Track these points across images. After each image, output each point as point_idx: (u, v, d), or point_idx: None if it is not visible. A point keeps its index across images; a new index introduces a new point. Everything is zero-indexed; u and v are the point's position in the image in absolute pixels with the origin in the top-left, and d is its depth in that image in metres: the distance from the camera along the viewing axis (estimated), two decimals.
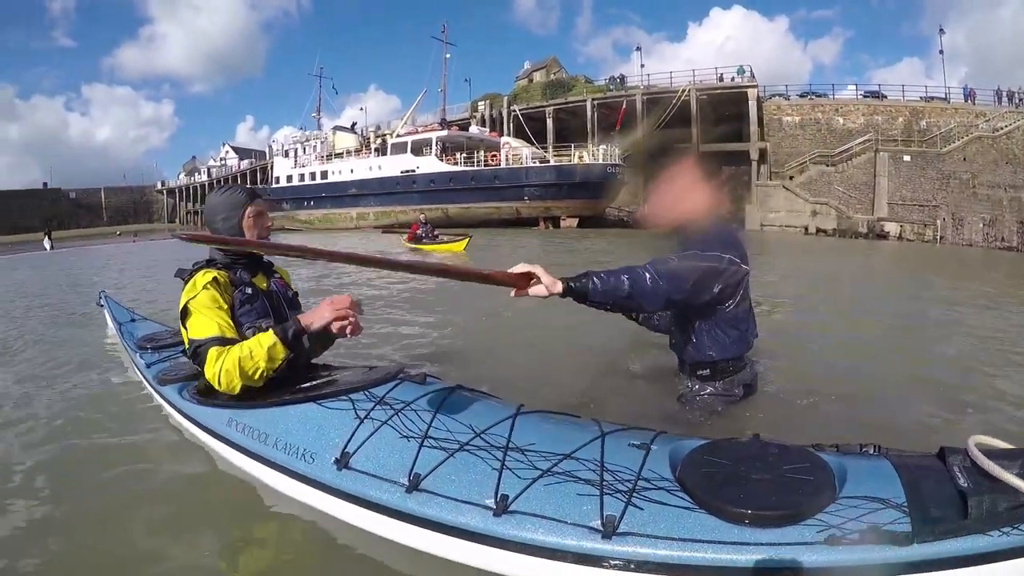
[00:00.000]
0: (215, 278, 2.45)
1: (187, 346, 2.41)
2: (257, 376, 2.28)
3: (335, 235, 30.36)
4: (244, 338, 2.35)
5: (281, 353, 2.28)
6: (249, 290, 2.55)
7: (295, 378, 2.44)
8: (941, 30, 40.92)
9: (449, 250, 16.22)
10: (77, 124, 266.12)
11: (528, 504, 1.57)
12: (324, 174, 42.85)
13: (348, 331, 2.34)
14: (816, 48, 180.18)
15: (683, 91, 31.96)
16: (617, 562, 1.45)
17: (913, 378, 3.51)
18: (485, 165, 32.77)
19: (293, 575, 1.95)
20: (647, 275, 2.17)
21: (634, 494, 1.52)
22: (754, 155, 29.90)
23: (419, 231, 17.72)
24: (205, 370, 2.34)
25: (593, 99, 34.84)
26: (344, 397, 2.18)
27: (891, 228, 23.69)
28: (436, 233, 18.05)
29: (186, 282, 2.51)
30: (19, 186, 79.82)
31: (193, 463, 2.63)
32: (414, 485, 1.75)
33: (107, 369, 4.46)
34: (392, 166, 36.59)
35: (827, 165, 27.58)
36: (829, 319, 5.60)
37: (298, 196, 44.81)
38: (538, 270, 2.08)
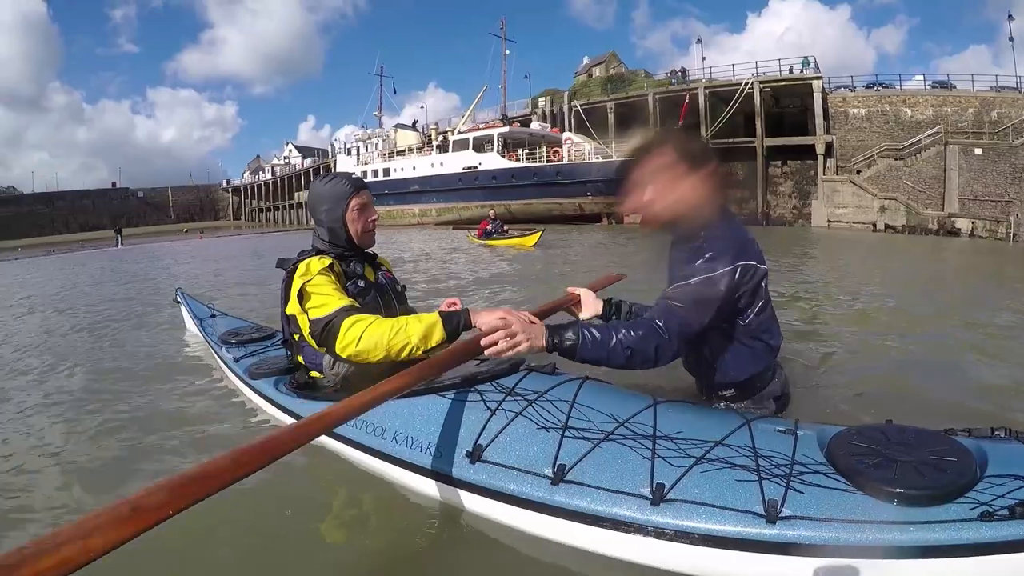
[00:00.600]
0: (331, 264, 2.36)
1: (309, 329, 2.27)
2: (402, 352, 2.11)
3: (398, 232, 30.67)
4: None
5: (437, 337, 2.12)
6: (362, 283, 2.47)
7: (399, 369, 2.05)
8: (1010, 16, 38.54)
9: (520, 244, 16.34)
10: (143, 126, 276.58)
11: (685, 492, 1.55)
12: (386, 171, 43.64)
13: (494, 351, 1.96)
14: (880, 37, 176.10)
15: (746, 84, 31.13)
16: (781, 545, 1.45)
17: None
18: (547, 161, 32.94)
19: (416, 573, 1.86)
20: (654, 344, 1.90)
21: (792, 478, 1.52)
22: (820, 149, 29.11)
23: (489, 227, 17.95)
24: (338, 341, 2.18)
25: (655, 93, 34.52)
26: (470, 388, 2.10)
27: (962, 225, 22.52)
28: (505, 228, 18.32)
29: (293, 269, 2.39)
30: (88, 186, 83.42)
31: (296, 457, 2.48)
32: (560, 477, 1.71)
33: (191, 365, 4.54)
34: (454, 163, 37.11)
35: (895, 159, 26.71)
36: (917, 317, 5.58)
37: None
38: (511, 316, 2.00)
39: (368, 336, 2.11)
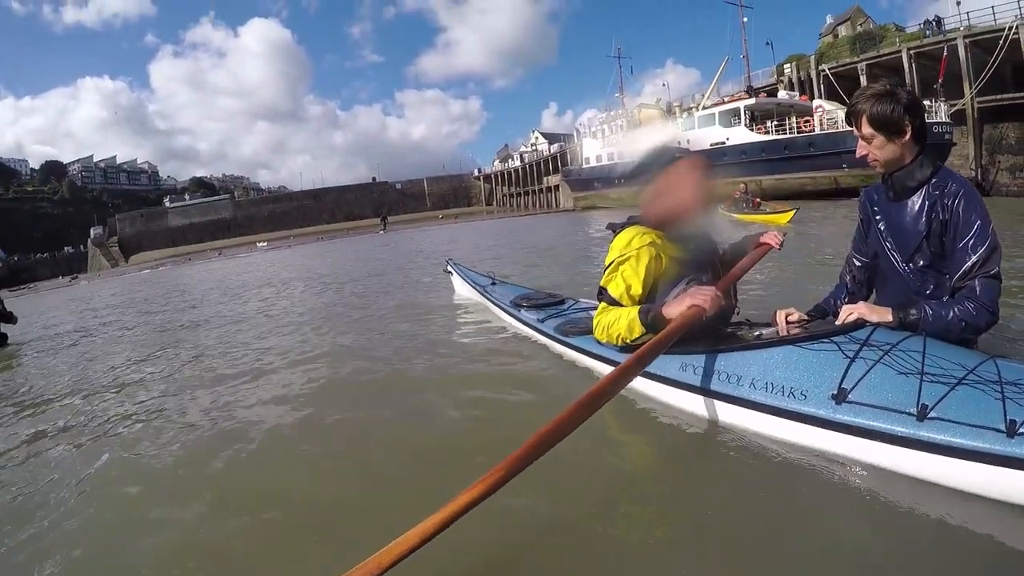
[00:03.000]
0: (653, 241, 2.68)
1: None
2: (617, 340, 2.66)
3: None
4: (666, 295, 2.62)
5: (638, 331, 2.55)
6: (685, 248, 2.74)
7: (707, 330, 2.60)
8: None
9: (772, 221, 15.08)
10: (394, 126, 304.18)
11: None
12: (631, 152, 44.15)
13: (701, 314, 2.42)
14: None
15: (1010, 28, 26.67)
16: None
17: None
18: (798, 132, 31.16)
19: (776, 509, 1.95)
20: (985, 320, 2.21)
21: None
22: None
23: (738, 197, 17.51)
24: (595, 314, 2.81)
25: (909, 48, 31.14)
26: (827, 340, 2.26)
27: None
28: (758, 202, 17.75)
29: (617, 234, 2.84)
30: (348, 181, 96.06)
31: (639, 405, 2.82)
32: (923, 414, 1.86)
33: (481, 324, 5.13)
34: (700, 139, 34.33)
35: None
36: None
37: (607, 176, 46.98)
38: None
39: (600, 325, 2.75)
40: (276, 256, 27.36)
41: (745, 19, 42.82)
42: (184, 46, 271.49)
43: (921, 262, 2.36)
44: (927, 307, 2.22)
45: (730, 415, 2.45)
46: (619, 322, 2.61)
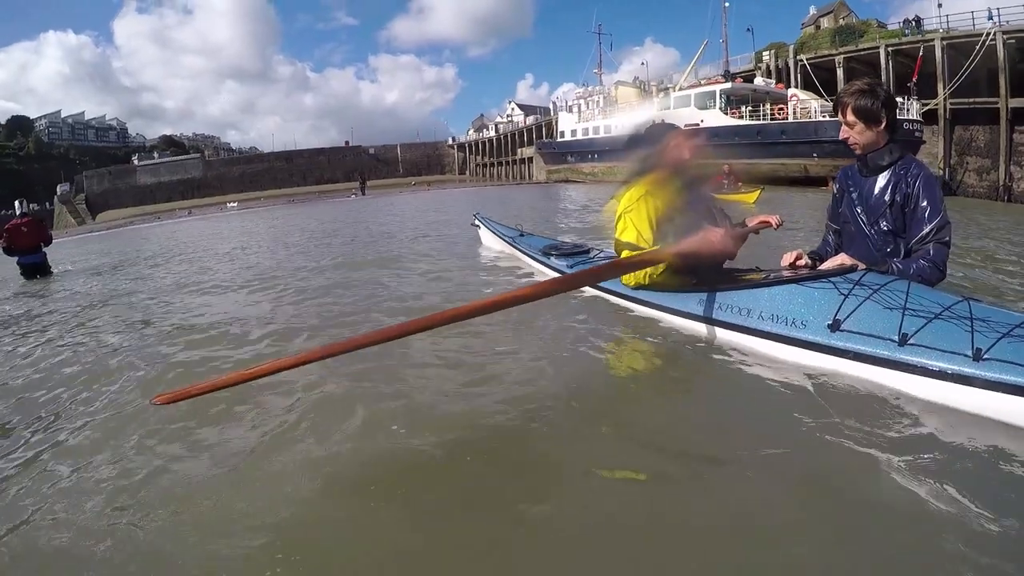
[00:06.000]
0: (647, 191, 3.28)
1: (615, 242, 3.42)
2: (646, 278, 3.27)
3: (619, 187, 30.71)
4: (669, 227, 3.16)
5: (662, 264, 3.15)
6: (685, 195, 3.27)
7: (721, 272, 3.23)
8: None
9: (741, 199, 15.90)
10: (367, 90, 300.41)
11: (999, 354, 2.01)
12: (607, 128, 44.82)
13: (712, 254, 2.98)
14: None
15: (987, 35, 27.02)
16: None
17: None
18: (772, 119, 31.50)
19: (776, 419, 2.28)
20: (937, 277, 2.73)
21: None
22: None
23: (724, 181, 17.44)
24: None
25: (887, 46, 31.58)
26: (824, 280, 2.64)
27: None
28: (739, 185, 17.95)
29: (622, 192, 3.41)
30: (319, 145, 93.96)
31: (667, 339, 3.18)
32: (903, 341, 2.21)
33: (513, 271, 5.49)
34: (675, 120, 32.57)
35: None
36: None
37: (582, 150, 47.40)
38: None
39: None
40: (262, 220, 25.22)
41: (727, 4, 43.45)
42: (149, 2, 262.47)
43: (885, 227, 2.88)
44: (894, 263, 2.76)
45: (742, 342, 2.87)
46: (644, 259, 3.12)
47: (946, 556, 1.47)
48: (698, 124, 33.82)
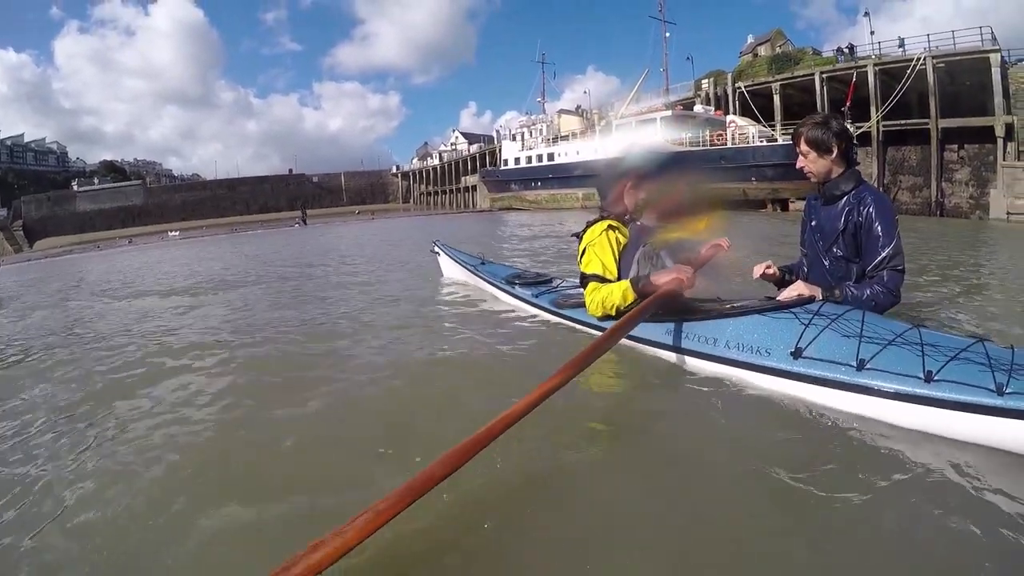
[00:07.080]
0: (611, 226, 3.40)
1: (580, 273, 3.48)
2: (612, 309, 3.22)
3: (562, 215, 30.80)
4: (626, 276, 3.24)
5: (631, 297, 3.14)
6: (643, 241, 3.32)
7: (687, 304, 3.18)
8: None
9: (690, 230, 15.98)
10: (311, 117, 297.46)
11: (948, 375, 2.15)
12: (551, 156, 44.96)
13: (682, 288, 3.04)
14: None
15: (917, 60, 27.99)
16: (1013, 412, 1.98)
17: None
18: (711, 145, 31.86)
19: (746, 440, 2.35)
20: (889, 303, 2.93)
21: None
22: (999, 131, 25.33)
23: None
24: (585, 294, 3.37)
25: (822, 72, 32.31)
26: (785, 310, 2.79)
27: None
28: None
29: (586, 230, 3.51)
30: (262, 172, 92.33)
31: (637, 367, 3.21)
32: (861, 366, 2.35)
33: (476, 301, 5.31)
34: (617, 147, 35.25)
35: None
36: None
37: (526, 177, 47.29)
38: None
39: (594, 301, 3.29)
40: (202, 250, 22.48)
41: (668, 34, 44.79)
42: (91, 22, 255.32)
43: (839, 253, 3.08)
44: (849, 288, 2.94)
45: (708, 370, 2.94)
46: (613, 294, 3.19)
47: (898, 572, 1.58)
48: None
